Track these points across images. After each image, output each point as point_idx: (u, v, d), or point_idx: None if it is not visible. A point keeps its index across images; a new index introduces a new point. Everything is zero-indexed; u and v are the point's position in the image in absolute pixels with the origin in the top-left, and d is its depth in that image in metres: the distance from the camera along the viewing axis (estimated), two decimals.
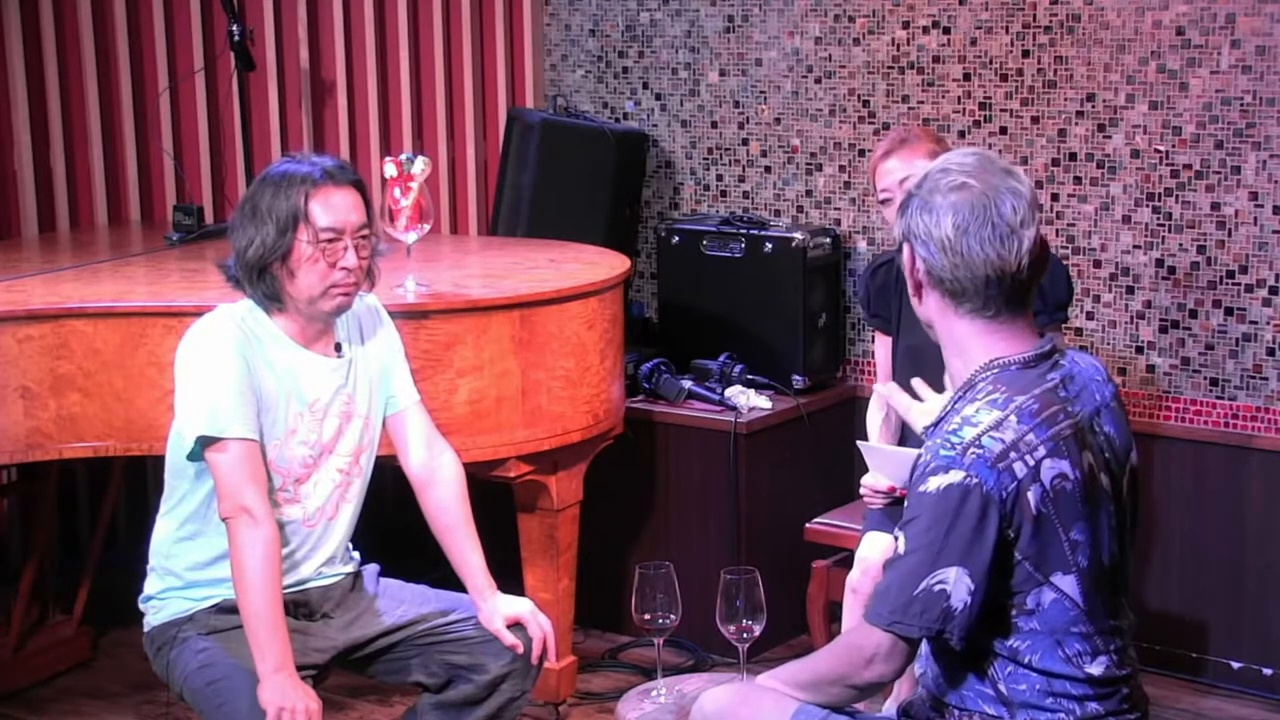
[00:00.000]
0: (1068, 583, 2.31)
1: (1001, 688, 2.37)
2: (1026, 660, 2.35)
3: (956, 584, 2.25)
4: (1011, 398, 2.30)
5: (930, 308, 2.39)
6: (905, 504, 2.36)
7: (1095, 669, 2.35)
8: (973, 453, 2.25)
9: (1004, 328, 2.36)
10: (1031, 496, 2.26)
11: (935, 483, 2.26)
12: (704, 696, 2.64)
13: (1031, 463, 2.27)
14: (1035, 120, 4.58)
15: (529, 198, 5.06)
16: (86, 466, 4.65)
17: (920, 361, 2.78)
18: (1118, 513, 2.39)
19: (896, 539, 2.32)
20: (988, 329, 2.36)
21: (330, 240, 3.00)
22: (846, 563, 3.83)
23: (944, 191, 2.33)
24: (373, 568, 3.32)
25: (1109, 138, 4.46)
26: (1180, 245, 4.39)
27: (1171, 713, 4.25)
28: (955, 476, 2.25)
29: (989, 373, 2.35)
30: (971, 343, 2.37)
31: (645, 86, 5.31)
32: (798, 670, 2.47)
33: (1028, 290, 2.36)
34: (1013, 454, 2.26)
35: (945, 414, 2.37)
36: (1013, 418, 2.28)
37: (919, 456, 2.33)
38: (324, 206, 3.01)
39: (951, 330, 2.38)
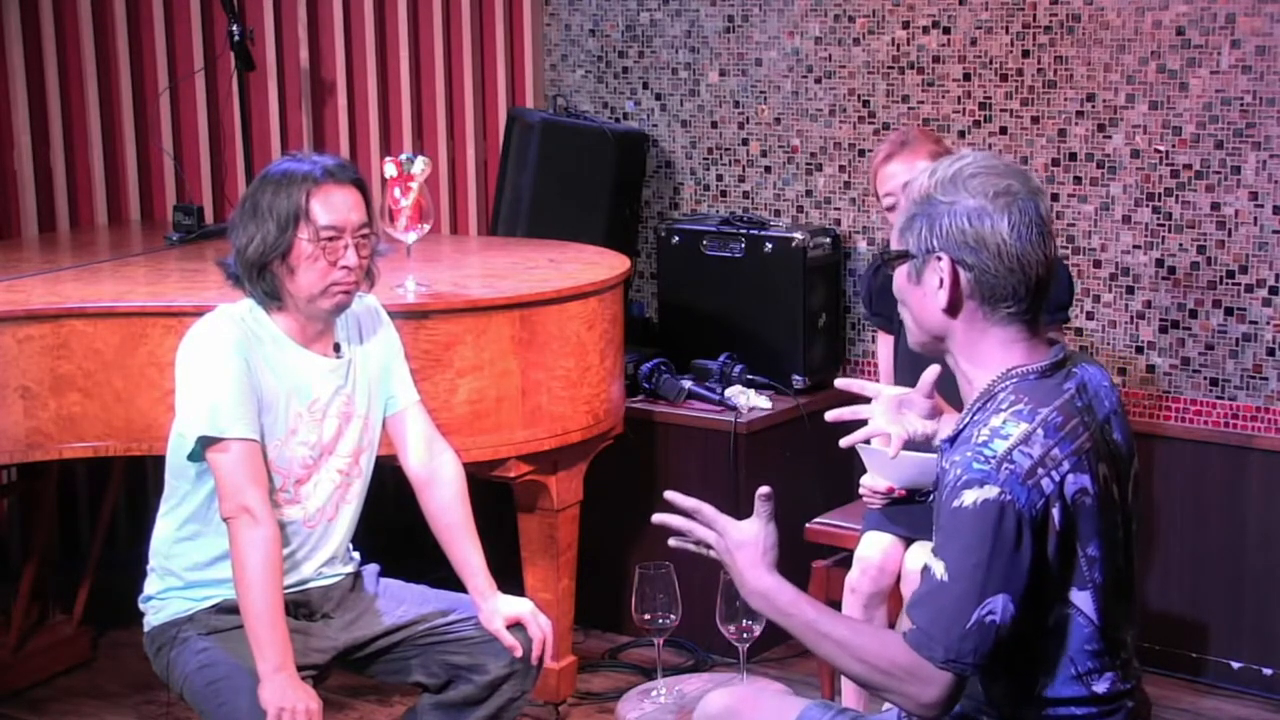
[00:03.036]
0: (1083, 598, 2.29)
1: (1006, 710, 2.36)
2: (1035, 690, 2.33)
3: (1003, 612, 2.21)
4: (1036, 410, 2.27)
5: (960, 323, 2.34)
6: (935, 519, 2.29)
7: (1100, 686, 2.33)
8: (1006, 468, 2.21)
9: (1029, 333, 2.34)
10: (1055, 513, 2.24)
11: (971, 497, 2.21)
12: (707, 698, 2.63)
13: (1057, 478, 2.24)
14: (1035, 120, 4.58)
15: (529, 198, 5.06)
16: (86, 466, 4.65)
17: (921, 361, 2.77)
18: (1124, 521, 2.37)
19: (929, 565, 2.26)
20: (1018, 335, 2.33)
21: (331, 238, 3.01)
22: (846, 563, 3.83)
23: (989, 196, 2.29)
24: (373, 568, 3.32)
25: (1109, 138, 4.46)
26: (1180, 245, 4.39)
27: (1171, 713, 4.25)
28: (990, 492, 2.20)
29: (1008, 382, 2.32)
30: (996, 353, 2.33)
31: (645, 86, 5.31)
32: (851, 651, 2.32)
33: (1048, 291, 2.36)
34: (1040, 470, 2.23)
35: (966, 425, 2.33)
36: (1039, 431, 2.25)
37: (947, 470, 2.28)
38: (325, 205, 3.01)
39: (978, 343, 2.34)
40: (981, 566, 2.20)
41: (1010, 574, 2.21)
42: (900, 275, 2.38)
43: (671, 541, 2.51)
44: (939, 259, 2.31)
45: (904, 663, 2.25)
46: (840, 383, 2.75)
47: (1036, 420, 2.26)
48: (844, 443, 2.70)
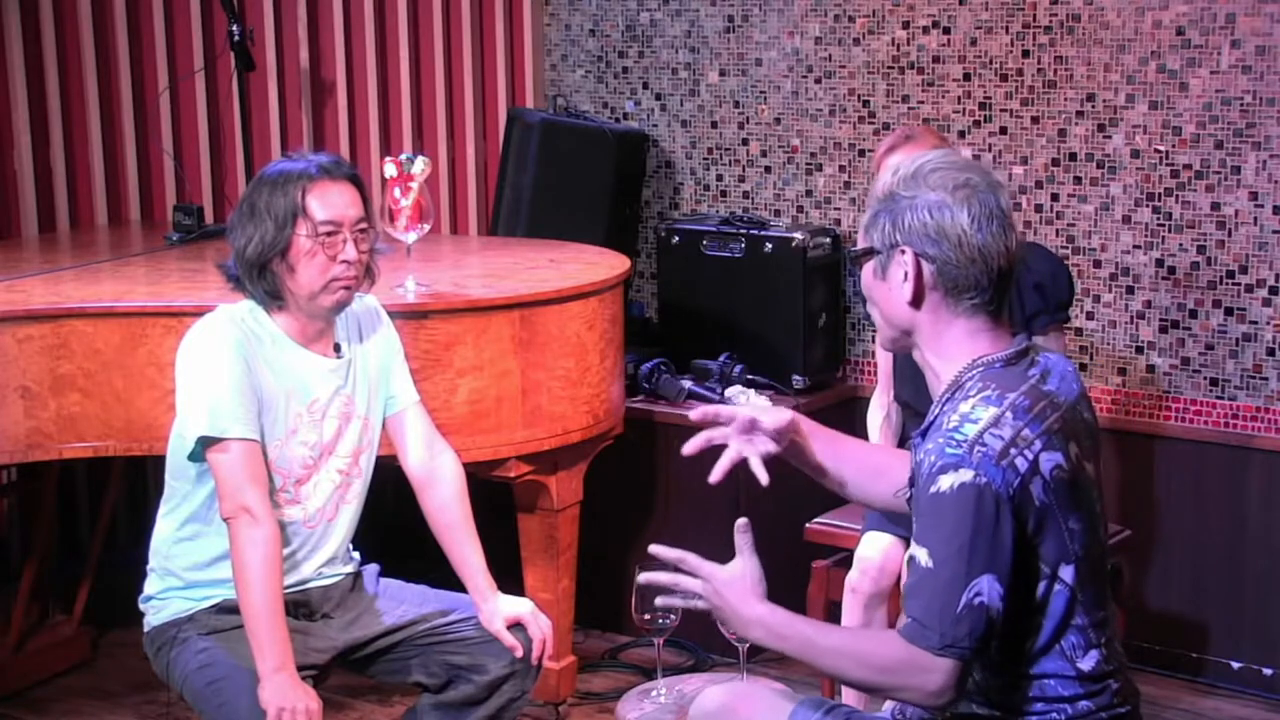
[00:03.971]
0: (1068, 572, 2.32)
1: (993, 694, 2.37)
2: (1025, 669, 2.35)
3: (990, 592, 2.24)
4: (1004, 394, 2.31)
5: (926, 315, 2.38)
6: (913, 508, 2.33)
7: (1086, 664, 2.35)
8: (978, 450, 2.25)
9: (994, 324, 2.38)
10: (1035, 489, 2.27)
11: (947, 481, 2.24)
12: (702, 695, 2.63)
13: (1030, 456, 2.27)
14: (1035, 120, 4.58)
15: (529, 198, 5.06)
16: (86, 466, 4.65)
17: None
18: (1099, 497, 2.42)
19: (914, 554, 2.28)
20: (983, 326, 2.38)
21: (329, 234, 3.01)
22: (846, 563, 3.83)
23: (949, 189, 2.34)
24: (373, 568, 3.32)
25: (1109, 138, 4.46)
26: (1180, 245, 4.39)
27: (1171, 713, 4.25)
28: (966, 475, 2.24)
29: (975, 371, 2.36)
30: (962, 344, 2.38)
31: (645, 86, 5.31)
32: (852, 657, 2.35)
33: (1012, 282, 2.40)
34: (1013, 450, 2.26)
35: (936, 415, 2.36)
36: (1008, 414, 2.29)
37: (921, 460, 2.31)
38: (321, 201, 3.01)
39: (944, 334, 2.38)
40: (964, 549, 2.23)
41: (993, 554, 2.24)
42: (867, 272, 2.43)
43: (658, 600, 2.53)
44: (902, 252, 2.36)
45: (903, 656, 2.28)
46: (695, 415, 2.67)
47: (1005, 404, 2.30)
48: (714, 478, 2.64)
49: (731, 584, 2.42)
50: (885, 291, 2.40)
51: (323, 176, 3.04)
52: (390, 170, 3.81)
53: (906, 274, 2.36)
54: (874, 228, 2.40)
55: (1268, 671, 4.36)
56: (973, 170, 2.38)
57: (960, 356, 2.38)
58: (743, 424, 2.63)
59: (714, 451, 4.48)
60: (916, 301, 2.37)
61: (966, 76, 4.68)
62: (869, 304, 2.46)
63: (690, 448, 2.63)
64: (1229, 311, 4.35)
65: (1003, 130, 4.63)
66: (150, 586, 3.17)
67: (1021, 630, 2.33)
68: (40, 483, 4.35)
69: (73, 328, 3.59)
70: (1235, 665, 4.40)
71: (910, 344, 2.43)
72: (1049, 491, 2.28)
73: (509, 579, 3.55)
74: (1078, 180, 4.53)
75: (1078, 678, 2.35)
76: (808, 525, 4.12)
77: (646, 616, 3.16)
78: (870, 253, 2.41)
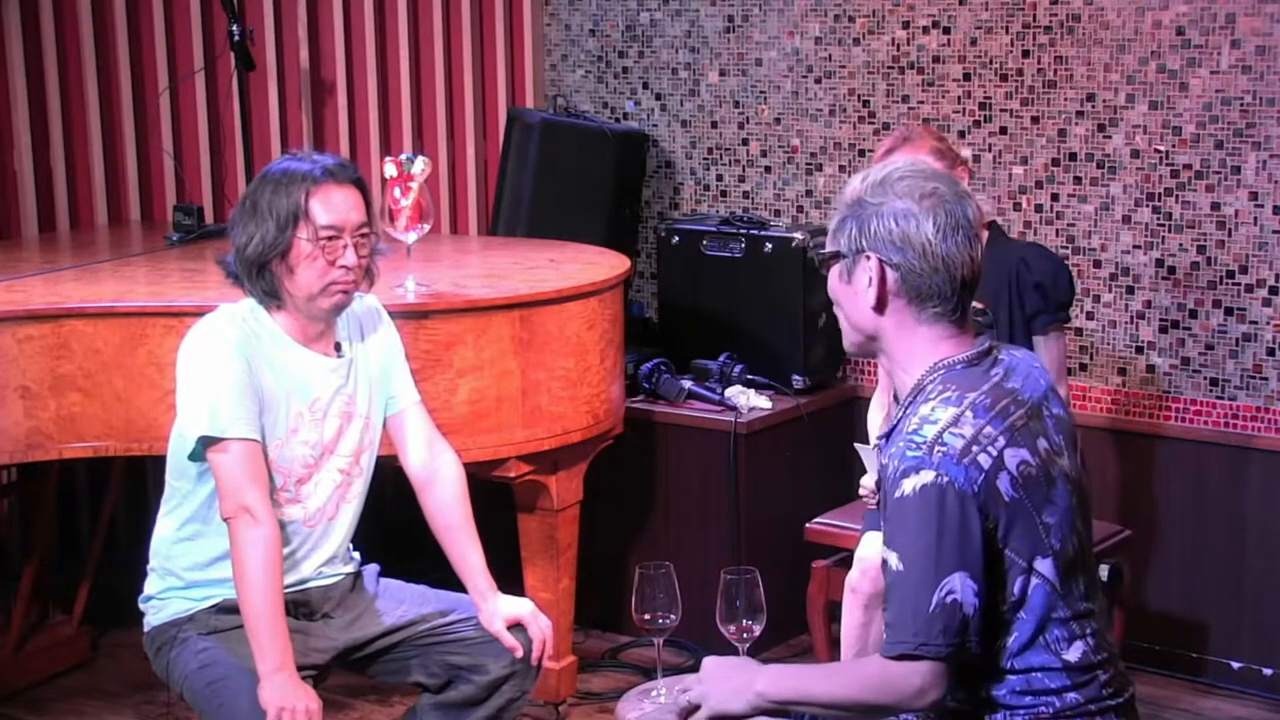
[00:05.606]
0: (1046, 566, 2.34)
1: (979, 690, 2.38)
2: (1008, 665, 2.36)
3: (963, 589, 2.26)
4: (964, 394, 2.34)
5: (889, 321, 2.41)
6: (882, 512, 2.35)
7: (1072, 655, 2.36)
8: (938, 450, 2.27)
9: (957, 330, 2.42)
10: (1002, 484, 2.29)
11: (910, 485, 2.28)
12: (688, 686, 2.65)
13: (994, 453, 2.30)
14: (1035, 120, 4.58)
15: (529, 198, 5.06)
16: (86, 466, 4.65)
17: None
18: (1077, 492, 2.43)
19: (886, 558, 2.31)
20: (946, 333, 2.41)
21: (330, 238, 3.01)
22: (846, 563, 3.83)
23: (916, 198, 2.37)
24: (373, 568, 3.32)
25: (1109, 138, 4.46)
26: (1180, 245, 4.39)
27: (1171, 713, 4.25)
28: (927, 476, 2.26)
29: (936, 374, 2.39)
30: (926, 349, 2.41)
31: (645, 86, 5.31)
32: (825, 691, 2.41)
33: (975, 290, 2.44)
34: (975, 447, 2.29)
35: (898, 420, 2.39)
36: (969, 413, 2.32)
37: (886, 464, 2.34)
38: (324, 204, 3.01)
39: (908, 340, 2.42)
40: (931, 550, 2.25)
41: (962, 552, 2.26)
42: (833, 276, 2.47)
43: None
44: (867, 258, 2.40)
45: (885, 665, 2.30)
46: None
47: (965, 404, 2.33)
48: None
49: (704, 671, 2.50)
50: (850, 295, 2.44)
51: (327, 179, 3.03)
52: (390, 170, 3.81)
53: (871, 279, 2.40)
54: (841, 232, 2.43)
55: (1268, 671, 4.36)
56: (940, 180, 2.41)
57: (923, 362, 2.41)
58: None
59: (713, 451, 4.51)
60: (880, 307, 2.41)
61: (966, 76, 4.68)
62: (835, 307, 2.50)
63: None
64: (1229, 311, 4.35)
65: (1003, 130, 4.63)
66: (150, 586, 3.17)
67: (1004, 625, 2.34)
68: (40, 483, 4.35)
69: (73, 328, 3.60)
70: (1235, 665, 4.40)
71: (873, 349, 2.47)
72: (1018, 487, 2.30)
73: (509, 579, 3.55)
74: (1078, 180, 4.53)
75: (1064, 669, 2.36)
76: (808, 525, 4.12)
77: (646, 616, 3.16)
78: (836, 256, 2.44)
